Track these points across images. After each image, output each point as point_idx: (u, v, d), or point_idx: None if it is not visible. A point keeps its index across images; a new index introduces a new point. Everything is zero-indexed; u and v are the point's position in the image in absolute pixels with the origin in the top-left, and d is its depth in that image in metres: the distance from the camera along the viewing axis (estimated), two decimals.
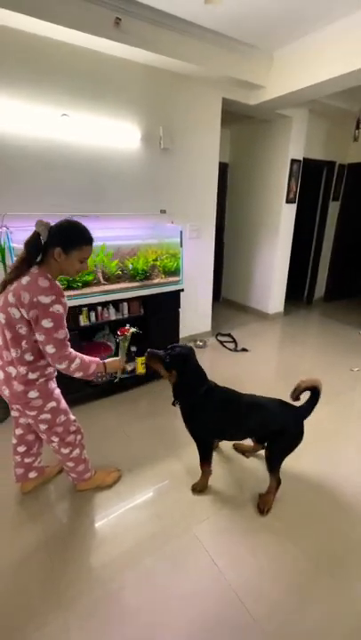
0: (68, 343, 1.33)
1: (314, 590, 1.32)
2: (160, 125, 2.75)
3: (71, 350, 1.33)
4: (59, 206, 2.42)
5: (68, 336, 1.33)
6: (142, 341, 2.86)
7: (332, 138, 4.38)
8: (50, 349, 1.28)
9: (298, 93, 2.84)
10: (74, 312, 2.33)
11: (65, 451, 1.56)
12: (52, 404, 1.44)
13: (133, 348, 2.98)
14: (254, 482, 1.81)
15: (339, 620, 1.23)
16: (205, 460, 1.72)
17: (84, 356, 1.38)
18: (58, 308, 1.25)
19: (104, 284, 2.47)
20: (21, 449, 1.64)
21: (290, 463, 1.92)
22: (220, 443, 2.07)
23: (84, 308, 2.40)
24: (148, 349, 1.63)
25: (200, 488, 1.74)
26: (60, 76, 2.24)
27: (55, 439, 1.52)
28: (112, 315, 2.55)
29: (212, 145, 3.15)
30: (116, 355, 1.61)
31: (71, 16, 2.00)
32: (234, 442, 2.05)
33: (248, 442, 1.98)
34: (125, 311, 2.63)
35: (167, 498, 1.72)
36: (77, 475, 1.67)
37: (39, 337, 1.27)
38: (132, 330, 1.58)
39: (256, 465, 1.93)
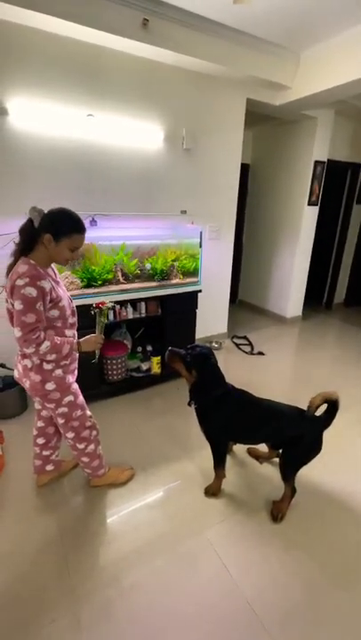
0: (40, 328, 1.26)
1: (327, 603, 1.28)
2: (183, 126, 2.75)
3: (41, 334, 1.26)
4: (81, 204, 2.46)
5: (42, 324, 1.27)
6: (159, 341, 2.88)
7: (358, 139, 4.27)
8: (16, 332, 1.25)
9: (325, 94, 2.78)
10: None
11: (80, 446, 1.58)
12: (70, 397, 1.46)
13: (149, 348, 2.99)
14: (269, 488, 1.78)
15: (353, 634, 1.19)
16: (219, 464, 1.71)
17: (57, 338, 1.33)
18: (30, 290, 1.21)
19: (123, 283, 2.49)
20: (40, 441, 1.68)
21: (305, 472, 1.88)
22: (234, 447, 2.05)
23: None
24: (170, 348, 1.62)
25: (213, 491, 1.73)
26: (87, 77, 2.27)
27: (71, 434, 1.54)
28: (130, 314, 2.57)
29: (234, 146, 3.12)
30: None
31: (99, 18, 2.02)
32: (248, 446, 2.03)
33: (263, 447, 1.95)
34: (143, 310, 2.64)
35: (180, 499, 1.72)
36: (92, 470, 1.69)
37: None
38: (109, 304, 1.53)
39: (271, 471, 1.90)
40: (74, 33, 2.10)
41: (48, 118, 2.20)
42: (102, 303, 1.52)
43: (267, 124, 3.98)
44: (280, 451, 1.68)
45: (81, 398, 1.54)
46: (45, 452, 1.71)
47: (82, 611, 1.24)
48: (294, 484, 1.62)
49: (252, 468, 1.93)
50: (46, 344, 1.28)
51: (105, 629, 1.19)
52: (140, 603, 1.27)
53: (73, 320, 1.47)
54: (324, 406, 1.55)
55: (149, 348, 2.99)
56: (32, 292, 1.22)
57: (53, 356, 1.33)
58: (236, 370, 3.11)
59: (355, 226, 4.75)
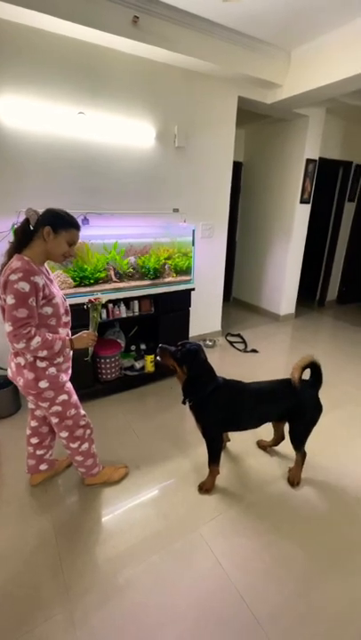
0: (31, 324, 1.26)
1: (320, 596, 1.30)
2: (175, 124, 2.75)
3: (32, 329, 1.26)
4: (73, 204, 2.45)
5: (34, 320, 1.27)
6: (153, 339, 2.88)
7: (349, 137, 4.30)
8: (7, 327, 1.24)
9: (315, 92, 2.80)
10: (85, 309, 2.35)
11: (74, 445, 1.58)
12: (64, 396, 1.46)
13: (143, 346, 2.99)
14: (262, 483, 1.80)
15: (344, 626, 1.21)
16: (215, 460, 1.72)
17: (48, 335, 1.32)
18: (23, 285, 1.21)
19: (116, 282, 2.49)
20: (34, 440, 1.68)
21: (304, 467, 1.91)
22: (228, 444, 2.06)
23: None
24: (160, 345, 1.64)
25: (207, 487, 1.74)
26: (77, 74, 2.26)
27: (65, 433, 1.54)
28: (123, 312, 2.57)
29: (226, 144, 3.13)
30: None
31: (90, 15, 2.01)
32: (258, 440, 2.09)
33: (267, 436, 2.02)
34: (136, 309, 2.64)
35: (174, 496, 1.73)
36: (86, 469, 1.69)
37: (3, 315, 1.26)
38: (103, 299, 1.54)
39: (263, 466, 1.92)
40: (64, 30, 2.09)
41: (38, 116, 2.19)
42: (96, 299, 1.52)
43: (259, 122, 3.99)
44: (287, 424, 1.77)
45: (75, 397, 1.54)
46: (39, 452, 1.70)
47: (76, 608, 1.24)
48: (304, 449, 1.76)
49: (247, 463, 1.95)
50: (37, 339, 1.27)
51: (99, 627, 1.19)
52: (135, 600, 1.27)
53: (67, 319, 1.47)
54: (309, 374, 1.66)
55: (143, 346, 2.99)
56: (25, 286, 1.22)
57: (45, 353, 1.32)
58: (230, 367, 3.13)
59: (347, 223, 4.79)
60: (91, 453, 1.66)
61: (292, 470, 1.83)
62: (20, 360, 1.37)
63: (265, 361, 3.30)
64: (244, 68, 2.66)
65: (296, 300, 4.49)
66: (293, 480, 1.79)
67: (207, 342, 3.57)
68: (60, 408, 1.47)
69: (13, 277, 1.21)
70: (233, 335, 3.82)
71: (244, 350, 3.49)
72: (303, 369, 1.63)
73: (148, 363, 2.78)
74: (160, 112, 2.67)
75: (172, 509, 1.65)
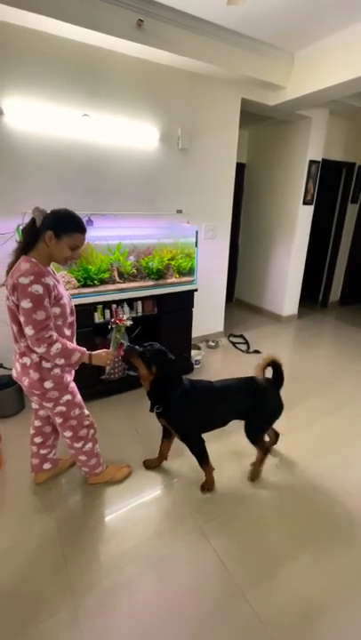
0: (51, 327, 1.28)
1: (322, 595, 1.31)
2: (178, 126, 2.76)
3: (53, 334, 1.29)
4: (78, 205, 2.47)
5: (51, 321, 1.29)
6: (156, 340, 2.89)
7: (352, 138, 4.31)
8: (28, 331, 1.25)
9: (319, 94, 2.81)
10: (89, 309, 2.37)
11: (78, 444, 1.59)
12: (68, 396, 1.48)
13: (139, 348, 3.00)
14: (265, 483, 1.81)
15: (347, 632, 1.21)
16: (203, 460, 1.71)
17: (69, 343, 1.34)
18: (37, 288, 1.22)
19: (119, 283, 2.50)
20: (38, 440, 1.69)
21: (303, 469, 1.91)
22: (226, 442, 2.07)
23: (99, 306, 2.44)
24: (127, 345, 1.58)
25: (209, 486, 1.75)
26: (81, 77, 2.28)
27: (69, 433, 1.55)
28: (126, 313, 2.58)
29: (229, 145, 3.14)
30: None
31: (94, 18, 2.03)
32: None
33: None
34: (140, 309, 2.66)
35: (176, 495, 1.74)
36: (89, 469, 1.70)
37: (21, 319, 1.26)
38: (127, 322, 1.49)
39: (265, 466, 1.92)
40: (69, 33, 2.11)
41: (43, 118, 2.21)
42: (121, 320, 1.48)
43: (262, 123, 4.00)
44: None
45: (79, 397, 1.55)
46: (43, 451, 1.72)
47: (80, 606, 1.25)
48: (265, 444, 1.80)
49: (247, 465, 1.95)
50: (58, 346, 1.29)
51: (103, 624, 1.20)
52: (138, 598, 1.28)
53: (72, 319, 1.48)
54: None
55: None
56: (39, 289, 1.23)
57: (62, 362, 1.33)
58: (233, 368, 3.13)
59: (349, 225, 4.78)
60: (94, 453, 1.67)
61: (253, 466, 1.84)
62: (26, 360, 1.39)
63: None
64: (247, 71, 2.68)
65: (299, 301, 4.49)
66: (253, 476, 1.81)
67: (210, 343, 3.57)
68: (64, 408, 1.48)
69: (25, 281, 1.22)
70: (236, 336, 3.83)
71: (247, 351, 3.49)
72: (265, 368, 1.70)
73: None
74: (164, 114, 2.68)
75: (174, 509, 1.66)
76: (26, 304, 1.23)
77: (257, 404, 1.71)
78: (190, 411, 1.62)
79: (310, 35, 2.52)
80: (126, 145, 2.58)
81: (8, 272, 1.32)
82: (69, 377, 1.51)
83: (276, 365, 1.73)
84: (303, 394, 2.70)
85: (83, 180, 2.48)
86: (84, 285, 2.35)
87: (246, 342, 3.67)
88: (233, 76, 2.71)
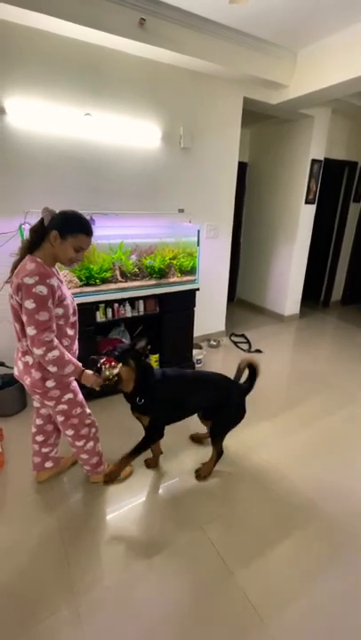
0: (53, 329, 1.29)
1: (322, 593, 1.31)
2: (181, 125, 2.76)
3: (54, 339, 1.29)
4: (79, 204, 2.47)
5: (54, 322, 1.29)
6: (157, 339, 2.89)
7: (355, 137, 4.29)
8: (30, 331, 1.25)
9: (321, 92, 2.80)
10: (91, 308, 2.38)
11: (79, 443, 1.60)
12: (69, 395, 1.48)
13: (148, 346, 3.00)
14: (269, 483, 1.81)
15: (347, 625, 1.21)
16: (139, 452, 1.66)
17: (67, 354, 1.33)
18: (41, 289, 1.23)
19: (121, 282, 2.50)
20: (40, 438, 1.70)
21: (304, 469, 1.91)
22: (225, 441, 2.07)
23: (101, 305, 2.45)
24: (93, 357, 1.48)
25: (115, 476, 1.68)
26: (83, 76, 2.28)
27: (70, 431, 1.56)
28: (128, 312, 2.58)
29: (231, 144, 3.14)
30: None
31: (96, 17, 2.03)
32: (192, 434, 2.13)
33: (202, 429, 2.04)
34: (141, 309, 2.66)
35: (177, 494, 1.74)
36: (91, 467, 1.70)
37: (23, 319, 1.27)
38: (115, 370, 1.44)
39: (272, 466, 1.92)
40: (70, 32, 2.11)
41: (46, 117, 2.21)
42: (111, 362, 1.44)
43: (264, 122, 3.99)
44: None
45: (80, 396, 1.55)
46: (44, 450, 1.72)
47: (81, 604, 1.25)
48: (221, 447, 1.80)
49: (251, 463, 1.95)
50: (55, 353, 1.28)
51: (104, 622, 1.21)
52: (139, 596, 1.29)
53: (74, 319, 1.49)
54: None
55: (148, 346, 3.00)
56: (43, 289, 1.24)
57: (54, 369, 1.31)
58: (234, 368, 3.12)
59: (352, 224, 4.77)
60: (96, 452, 1.68)
61: (205, 464, 1.84)
62: (29, 359, 1.39)
63: (269, 361, 3.30)
64: (249, 69, 2.67)
65: (300, 300, 4.48)
66: (202, 474, 1.82)
67: (212, 342, 3.57)
68: (65, 407, 1.48)
69: (30, 281, 1.22)
70: (237, 335, 3.82)
71: (249, 350, 3.49)
72: (244, 369, 1.74)
73: (153, 362, 2.80)
74: (166, 113, 2.68)
75: (175, 508, 1.66)
76: (29, 304, 1.23)
77: (225, 403, 1.73)
78: (166, 398, 1.64)
79: (313, 33, 2.51)
80: (128, 144, 2.58)
81: (13, 271, 1.32)
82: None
83: (252, 368, 1.75)
84: (304, 393, 2.70)
85: (85, 180, 2.49)
86: (86, 285, 2.35)
87: (248, 342, 3.66)
88: (235, 74, 2.71)
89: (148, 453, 1.97)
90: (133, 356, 1.53)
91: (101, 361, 1.45)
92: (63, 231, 1.29)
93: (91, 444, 1.63)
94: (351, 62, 2.45)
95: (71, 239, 1.31)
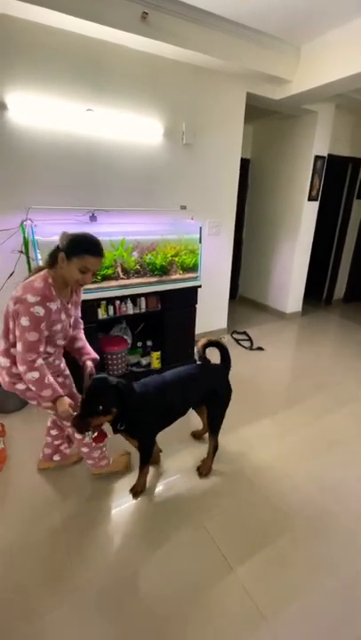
0: (38, 350, 1.28)
1: (321, 590, 1.31)
2: (183, 121, 2.74)
3: (37, 360, 1.28)
4: (81, 200, 2.46)
5: (42, 344, 1.29)
6: (159, 336, 2.89)
7: (358, 133, 4.25)
8: (18, 347, 1.27)
9: (325, 87, 2.77)
10: (92, 305, 2.37)
11: (78, 436, 1.59)
12: (48, 391, 1.38)
13: (149, 343, 3.01)
14: (268, 481, 1.81)
15: (343, 620, 1.22)
16: (146, 461, 1.67)
17: (48, 378, 1.32)
18: (39, 310, 1.24)
19: (123, 279, 2.50)
20: (54, 432, 1.74)
21: (305, 467, 1.92)
22: (223, 439, 2.07)
23: (103, 302, 2.44)
24: (75, 418, 1.33)
25: (141, 489, 1.71)
26: (84, 71, 2.26)
27: (67, 423, 1.52)
28: (130, 309, 2.58)
29: (234, 141, 3.11)
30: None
31: (98, 11, 2.01)
32: (192, 431, 2.13)
33: (198, 424, 2.07)
34: (143, 306, 2.65)
35: (179, 491, 1.74)
36: (93, 461, 1.71)
37: (16, 332, 1.29)
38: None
39: (273, 463, 1.93)
40: (73, 26, 2.09)
41: (47, 113, 2.20)
42: (102, 437, 1.45)
43: (267, 118, 3.96)
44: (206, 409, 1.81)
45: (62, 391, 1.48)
46: (56, 442, 1.76)
47: (83, 599, 1.26)
48: (217, 439, 1.81)
49: (252, 460, 1.95)
50: (34, 374, 1.28)
51: (106, 617, 1.21)
52: (141, 591, 1.29)
53: (61, 343, 1.47)
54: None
55: (149, 343, 3.01)
56: (40, 311, 1.25)
57: (33, 389, 1.31)
58: (236, 365, 3.10)
59: (355, 221, 4.74)
60: (97, 446, 1.68)
61: (203, 461, 1.85)
62: (1, 360, 1.40)
63: (271, 359, 3.29)
64: (253, 64, 2.64)
65: (303, 297, 4.47)
66: (203, 471, 1.82)
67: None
68: (49, 404, 1.44)
69: (31, 299, 1.23)
70: (239, 333, 3.82)
71: (250, 348, 3.48)
72: (206, 346, 1.73)
73: (155, 359, 2.80)
74: (168, 109, 2.66)
75: (177, 504, 1.67)
76: (24, 321, 1.24)
77: (213, 388, 1.73)
78: (152, 412, 1.55)
79: (317, 28, 2.48)
80: (130, 140, 2.56)
81: (24, 280, 1.35)
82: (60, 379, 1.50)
83: (223, 349, 1.77)
84: (306, 391, 2.70)
85: (87, 176, 2.47)
86: None
87: (250, 339, 3.66)
88: (238, 69, 2.68)
89: None
90: (115, 397, 1.37)
91: (92, 435, 1.41)
92: (68, 252, 1.30)
93: (84, 449, 1.63)
94: (355, 57, 2.42)
95: (76, 260, 1.30)
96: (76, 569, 1.37)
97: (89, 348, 1.62)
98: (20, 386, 1.41)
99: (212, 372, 1.77)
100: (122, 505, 1.66)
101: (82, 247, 1.31)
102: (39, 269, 1.37)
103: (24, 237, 2.24)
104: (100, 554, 1.43)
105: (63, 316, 1.41)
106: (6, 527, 1.54)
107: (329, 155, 3.88)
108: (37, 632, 1.17)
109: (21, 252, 2.29)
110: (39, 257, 2.16)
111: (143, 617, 1.22)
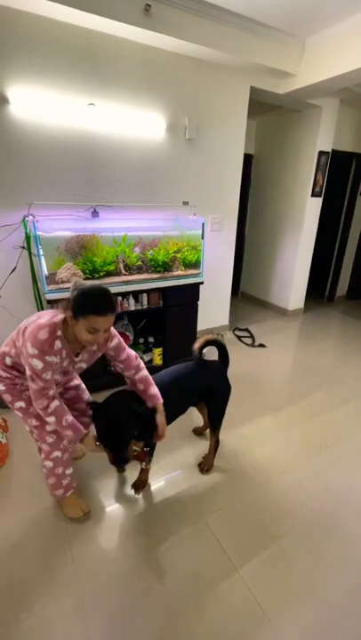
0: (48, 394, 1.25)
1: (323, 583, 1.31)
2: (185, 115, 2.71)
3: (52, 405, 1.26)
4: (83, 196, 2.45)
5: (50, 388, 1.25)
6: (161, 332, 2.89)
7: None
8: (30, 387, 1.25)
9: (330, 81, 2.73)
10: None
11: (45, 447, 1.45)
12: (20, 403, 1.40)
13: (151, 339, 3.01)
14: (266, 478, 1.81)
15: (346, 619, 1.22)
16: (150, 459, 1.67)
17: (66, 419, 1.28)
18: (36, 363, 1.18)
19: (125, 275, 2.49)
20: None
21: (307, 464, 1.92)
22: (224, 435, 2.07)
23: None
24: (115, 457, 1.34)
25: (143, 485, 1.72)
26: (88, 65, 2.24)
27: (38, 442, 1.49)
28: (132, 305, 2.58)
29: (237, 136, 3.08)
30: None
31: (101, 3, 1.98)
32: (194, 427, 2.13)
33: (198, 421, 2.07)
34: (145, 302, 2.65)
35: (180, 487, 1.75)
36: (51, 483, 1.52)
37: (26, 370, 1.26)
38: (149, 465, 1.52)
39: (275, 460, 1.93)
40: (75, 19, 2.06)
41: (49, 107, 2.18)
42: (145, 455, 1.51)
43: (271, 113, 3.92)
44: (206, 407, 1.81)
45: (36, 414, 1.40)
46: None
47: (85, 592, 1.27)
48: (219, 435, 1.82)
49: (254, 457, 1.96)
50: (50, 419, 1.28)
51: (108, 610, 1.22)
52: (142, 586, 1.30)
53: (60, 379, 1.39)
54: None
55: (151, 339, 3.01)
56: (37, 364, 1.19)
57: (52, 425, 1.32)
58: (238, 362, 3.12)
59: (358, 218, 4.70)
60: (54, 473, 1.48)
61: (205, 457, 1.86)
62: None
63: (273, 356, 3.29)
64: (256, 58, 2.61)
65: (305, 294, 4.45)
66: (205, 467, 1.82)
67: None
68: (19, 414, 1.43)
69: (30, 350, 1.18)
70: (241, 329, 3.81)
71: (252, 345, 3.48)
72: (204, 346, 1.69)
73: (157, 355, 2.80)
74: (170, 103, 2.63)
75: (178, 500, 1.67)
76: (27, 369, 1.22)
77: (211, 385, 1.72)
78: (152, 418, 1.49)
79: (322, 20, 2.44)
80: (132, 135, 2.54)
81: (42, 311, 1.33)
82: (21, 402, 1.41)
83: (220, 347, 1.76)
84: (308, 388, 2.70)
85: (88, 171, 2.46)
86: (90, 278, 2.34)
87: (251, 336, 3.65)
88: (242, 63, 2.65)
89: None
90: (139, 422, 1.38)
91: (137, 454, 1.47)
92: (75, 311, 1.19)
93: (49, 463, 1.46)
94: (359, 51, 2.38)
95: (82, 320, 1.19)
96: (78, 562, 1.38)
97: (152, 391, 1.49)
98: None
99: (210, 369, 1.76)
100: (124, 501, 1.67)
101: (87, 307, 1.18)
102: (63, 307, 1.26)
103: (26, 233, 2.23)
104: (101, 548, 1.44)
105: (68, 366, 1.34)
106: (8, 521, 1.55)
107: (333, 150, 3.84)
108: (39, 624, 1.18)
109: (23, 247, 2.29)
110: (41, 253, 2.15)
111: (142, 613, 1.23)
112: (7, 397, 1.40)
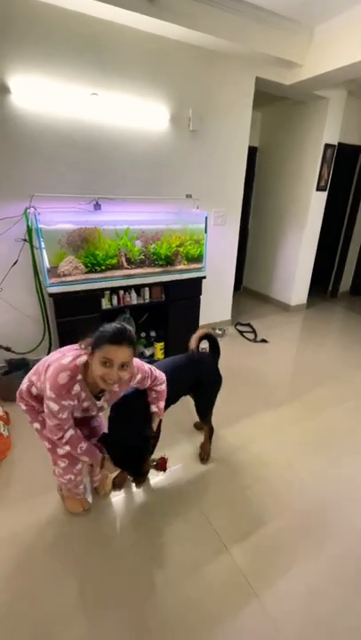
0: (63, 428, 1.27)
1: (317, 577, 1.32)
2: (189, 106, 2.67)
3: (67, 436, 1.28)
4: (85, 188, 2.43)
5: (67, 423, 1.27)
6: (163, 327, 2.88)
7: None
8: (46, 421, 1.29)
9: (338, 72, 2.66)
10: (96, 295, 2.36)
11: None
12: (85, 458, 1.39)
13: (153, 333, 3.00)
14: (266, 474, 1.82)
15: (348, 614, 1.23)
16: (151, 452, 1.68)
17: (80, 447, 1.31)
18: (52, 405, 1.20)
19: (127, 268, 2.48)
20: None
21: (307, 460, 1.92)
22: (230, 433, 2.08)
23: (107, 292, 2.43)
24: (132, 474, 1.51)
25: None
26: (91, 53, 2.20)
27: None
28: (134, 299, 2.57)
29: (242, 128, 3.03)
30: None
31: None
32: (195, 422, 2.12)
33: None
34: (147, 296, 2.64)
35: (181, 481, 1.76)
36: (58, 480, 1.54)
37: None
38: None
39: (275, 455, 1.93)
40: (78, 5, 2.02)
41: (51, 97, 2.15)
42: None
43: (276, 104, 3.85)
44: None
45: (36, 425, 1.44)
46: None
47: (87, 586, 1.28)
48: (211, 423, 1.85)
49: (255, 452, 1.96)
50: (65, 448, 1.31)
51: (109, 605, 1.24)
52: (143, 581, 1.31)
53: (79, 416, 1.40)
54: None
55: (153, 333, 3.00)
56: (54, 406, 1.21)
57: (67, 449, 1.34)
58: (240, 357, 3.12)
59: None
60: (68, 488, 1.51)
61: (202, 446, 1.89)
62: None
63: (275, 351, 3.28)
64: (263, 47, 2.55)
65: (308, 290, 4.42)
66: (203, 455, 1.86)
67: (217, 331, 3.55)
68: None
69: (48, 393, 1.19)
70: (243, 324, 3.80)
71: (254, 340, 3.47)
72: (200, 340, 1.73)
73: (158, 350, 2.80)
74: (174, 93, 2.59)
75: (179, 493, 1.68)
76: (45, 407, 1.24)
77: (201, 377, 1.74)
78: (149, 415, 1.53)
79: (332, 7, 2.37)
80: (135, 126, 2.50)
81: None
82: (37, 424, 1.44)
83: (211, 339, 1.78)
84: (310, 383, 2.69)
85: (91, 162, 2.43)
86: (92, 271, 2.33)
87: (253, 331, 3.64)
88: (247, 52, 2.59)
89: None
90: (145, 447, 1.45)
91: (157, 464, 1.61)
92: (93, 347, 1.20)
93: (62, 480, 1.48)
94: None
95: (98, 353, 1.18)
96: (80, 557, 1.39)
97: (160, 406, 1.55)
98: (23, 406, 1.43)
99: (201, 360, 1.77)
100: (124, 493, 1.68)
101: (103, 337, 1.18)
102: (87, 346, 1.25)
103: (28, 225, 2.21)
104: (103, 541, 1.45)
105: (89, 405, 1.34)
106: (10, 514, 1.56)
107: (339, 143, 3.77)
108: (40, 619, 1.19)
109: (25, 240, 2.28)
110: (43, 245, 2.14)
111: (143, 607, 1.24)
112: (27, 417, 1.45)
